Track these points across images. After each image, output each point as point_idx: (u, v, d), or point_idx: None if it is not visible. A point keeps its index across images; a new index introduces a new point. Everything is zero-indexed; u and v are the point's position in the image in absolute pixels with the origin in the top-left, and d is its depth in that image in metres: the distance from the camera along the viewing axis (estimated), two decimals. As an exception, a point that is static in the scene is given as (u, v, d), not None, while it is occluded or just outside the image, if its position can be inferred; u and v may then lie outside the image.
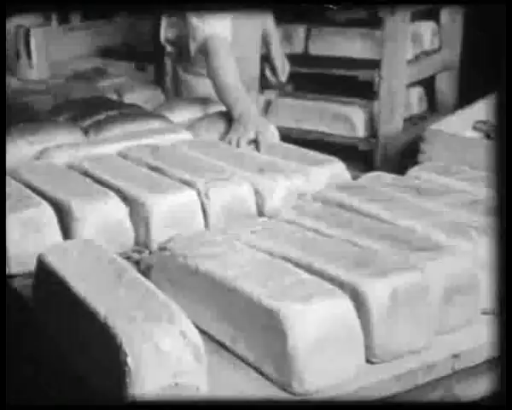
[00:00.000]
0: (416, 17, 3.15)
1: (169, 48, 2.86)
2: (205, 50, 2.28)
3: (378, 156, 2.97)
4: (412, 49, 3.09)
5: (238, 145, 2.05)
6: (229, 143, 2.07)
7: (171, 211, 1.66)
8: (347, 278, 1.24)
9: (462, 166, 1.81)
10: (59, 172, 1.83)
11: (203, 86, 2.52)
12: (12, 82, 3.35)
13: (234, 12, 2.32)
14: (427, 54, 3.23)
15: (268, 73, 2.88)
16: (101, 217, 1.61)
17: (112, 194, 1.66)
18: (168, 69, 2.91)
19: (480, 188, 1.60)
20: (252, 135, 2.05)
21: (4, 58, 3.45)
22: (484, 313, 1.33)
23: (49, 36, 3.96)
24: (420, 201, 1.56)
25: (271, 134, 2.17)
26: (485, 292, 1.31)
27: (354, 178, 1.88)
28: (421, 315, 1.24)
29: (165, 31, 2.82)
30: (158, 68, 3.49)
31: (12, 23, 3.81)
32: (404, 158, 2.85)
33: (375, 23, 3.16)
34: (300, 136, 3.19)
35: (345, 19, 3.52)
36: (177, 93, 2.76)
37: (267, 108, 3.34)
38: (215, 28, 2.27)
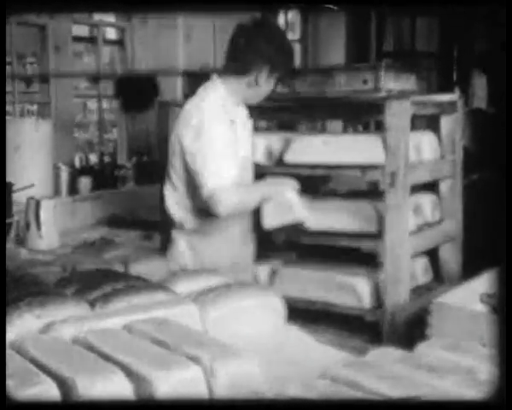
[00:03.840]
0: (416, 190, 3.24)
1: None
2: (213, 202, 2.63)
3: (385, 327, 2.95)
4: (414, 221, 3.15)
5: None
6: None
7: (177, 388, 1.63)
8: None
9: (471, 340, 1.80)
10: (64, 347, 1.82)
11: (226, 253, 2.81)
12: (22, 253, 3.41)
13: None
14: (429, 225, 3.29)
15: None
16: (106, 395, 1.58)
17: (117, 371, 1.64)
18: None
19: (490, 366, 1.58)
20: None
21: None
22: None
23: (58, 206, 4.07)
24: (430, 379, 1.54)
25: None
26: None
27: (361, 350, 1.86)
28: None
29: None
30: (164, 237, 3.55)
31: (23, 194, 3.93)
32: (412, 329, 2.82)
33: (376, 195, 3.25)
34: (305, 306, 3.19)
35: (345, 190, 3.63)
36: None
37: (272, 277, 3.36)
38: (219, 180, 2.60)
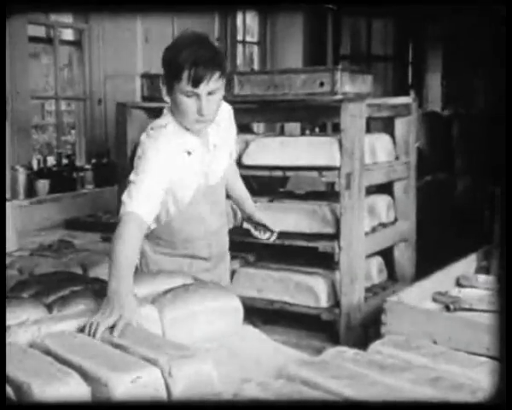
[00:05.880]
0: (372, 191, 3.30)
1: None
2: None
3: (341, 326, 3.00)
4: (369, 222, 3.21)
5: (95, 334, 1.90)
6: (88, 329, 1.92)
7: (134, 390, 1.64)
8: None
9: (423, 338, 1.84)
10: (20, 352, 1.80)
11: (171, 264, 2.53)
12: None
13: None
14: (384, 226, 3.35)
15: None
16: (63, 399, 1.58)
17: (74, 374, 1.64)
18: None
19: (441, 364, 1.63)
20: (111, 322, 1.92)
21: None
22: None
23: (15, 209, 4.02)
24: (383, 377, 1.57)
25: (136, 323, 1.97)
26: None
27: (318, 349, 1.89)
28: None
29: None
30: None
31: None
32: (368, 327, 2.88)
33: (332, 196, 3.30)
34: (264, 306, 3.22)
35: (303, 191, 3.68)
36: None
37: (231, 277, 3.38)
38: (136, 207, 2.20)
